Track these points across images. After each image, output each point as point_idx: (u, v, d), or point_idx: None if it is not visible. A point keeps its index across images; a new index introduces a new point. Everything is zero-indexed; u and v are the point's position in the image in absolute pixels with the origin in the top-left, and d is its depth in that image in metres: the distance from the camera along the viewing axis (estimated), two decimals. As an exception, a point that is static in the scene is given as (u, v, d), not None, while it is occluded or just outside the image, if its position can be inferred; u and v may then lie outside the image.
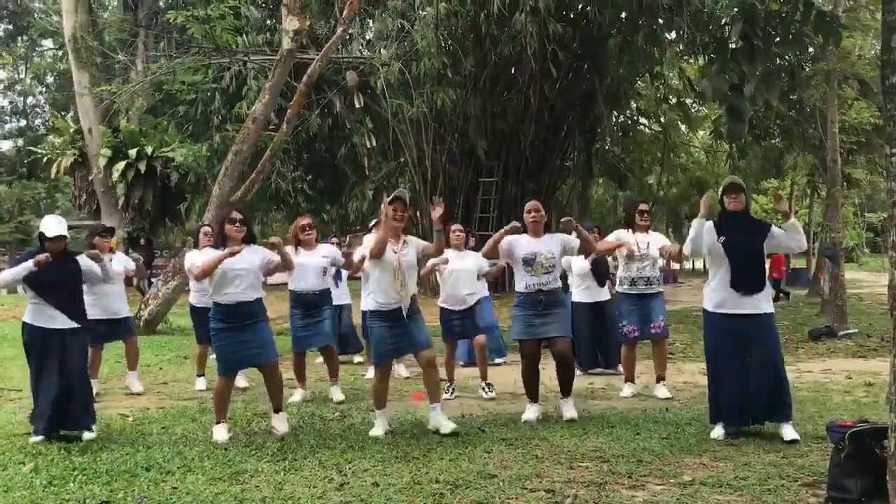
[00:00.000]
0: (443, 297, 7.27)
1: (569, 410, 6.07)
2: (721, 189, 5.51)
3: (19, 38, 41.39)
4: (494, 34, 17.21)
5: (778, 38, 7.70)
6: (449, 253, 7.03)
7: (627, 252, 6.92)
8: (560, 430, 5.70)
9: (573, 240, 6.17)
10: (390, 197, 5.69)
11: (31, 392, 5.69)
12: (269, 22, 19.93)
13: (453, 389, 7.29)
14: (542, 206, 6.26)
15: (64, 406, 5.53)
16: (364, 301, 8.22)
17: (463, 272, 7.13)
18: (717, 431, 5.35)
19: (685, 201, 32.04)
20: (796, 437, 5.12)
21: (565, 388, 6.13)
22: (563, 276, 7.69)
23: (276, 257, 5.86)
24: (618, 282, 7.20)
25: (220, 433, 5.53)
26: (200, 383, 7.89)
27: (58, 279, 5.60)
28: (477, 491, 4.20)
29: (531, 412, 6.13)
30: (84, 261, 5.84)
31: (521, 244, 6.06)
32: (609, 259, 7.73)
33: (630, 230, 7.06)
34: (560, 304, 6.13)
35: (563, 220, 6.12)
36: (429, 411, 5.78)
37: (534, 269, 5.98)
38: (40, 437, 5.48)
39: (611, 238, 7.08)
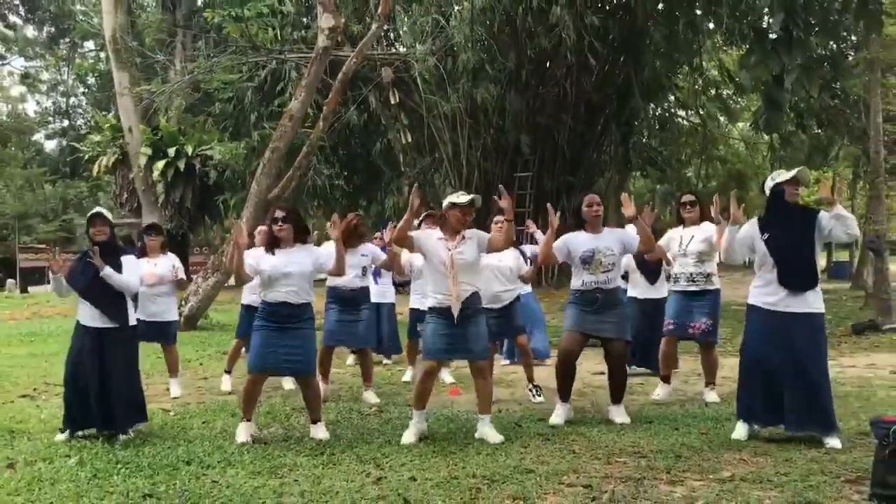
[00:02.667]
0: None
1: (620, 416, 5.80)
2: (789, 177, 5.13)
3: (61, 41, 42.24)
4: (531, 28, 17.13)
5: (817, 28, 7.55)
6: None
7: (670, 252, 6.65)
8: (597, 425, 5.67)
9: (633, 237, 5.85)
10: (464, 200, 5.34)
11: (64, 389, 5.69)
12: (304, 20, 20.05)
13: None
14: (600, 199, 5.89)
15: (97, 407, 5.47)
16: (412, 299, 8.10)
17: (497, 269, 6.65)
18: (740, 431, 5.17)
19: (725, 194, 31.63)
20: (838, 444, 4.88)
21: (616, 395, 5.87)
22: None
23: (331, 262, 5.59)
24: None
25: (242, 434, 5.35)
26: (226, 383, 7.68)
27: (94, 275, 5.51)
28: (514, 486, 4.20)
29: (559, 415, 5.84)
30: (127, 261, 5.69)
31: (579, 241, 5.76)
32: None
33: (681, 226, 6.71)
34: (618, 304, 5.82)
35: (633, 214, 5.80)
36: (477, 419, 5.47)
37: (592, 266, 5.68)
38: (65, 436, 5.50)
39: (663, 241, 6.69)
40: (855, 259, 26.95)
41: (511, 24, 17.37)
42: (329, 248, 5.94)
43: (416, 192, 5.40)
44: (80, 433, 5.57)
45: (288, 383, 7.64)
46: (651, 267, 7.57)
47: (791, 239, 5.08)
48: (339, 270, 5.65)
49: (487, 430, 5.34)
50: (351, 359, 9.21)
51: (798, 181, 5.12)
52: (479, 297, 5.44)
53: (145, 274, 7.01)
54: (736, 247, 5.31)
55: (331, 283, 7.00)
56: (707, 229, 6.54)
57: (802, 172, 5.18)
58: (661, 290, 7.75)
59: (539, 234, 7.21)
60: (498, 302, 6.68)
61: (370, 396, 7.04)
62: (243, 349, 7.56)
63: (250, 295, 7.57)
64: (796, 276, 5.06)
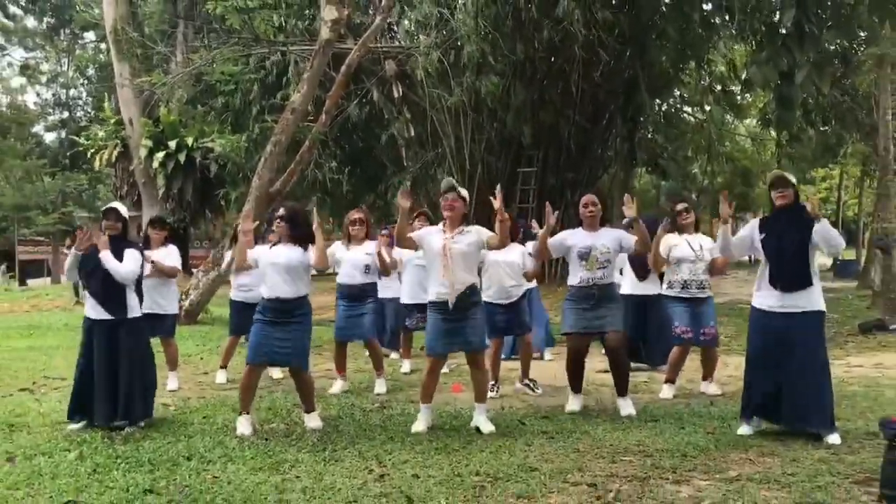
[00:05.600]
0: (486, 291, 6.91)
1: (626, 408, 5.99)
2: (768, 184, 5.36)
3: (62, 31, 42.20)
4: (536, 20, 17.06)
5: (830, 24, 7.49)
6: None
7: (678, 255, 6.70)
8: (602, 423, 5.67)
9: (630, 238, 6.01)
10: (443, 188, 5.59)
11: (73, 380, 5.79)
12: (307, 11, 19.99)
13: (498, 388, 7.01)
14: (598, 199, 6.09)
15: (105, 401, 5.54)
16: (403, 293, 8.43)
17: (506, 264, 6.81)
18: (745, 429, 5.26)
19: (730, 191, 31.59)
20: (838, 441, 4.95)
21: (620, 387, 6.06)
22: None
23: (313, 257, 5.77)
24: (666, 284, 6.90)
25: (244, 426, 5.46)
26: (221, 376, 7.85)
27: (95, 267, 5.62)
28: (518, 484, 4.19)
29: (574, 403, 6.16)
30: (128, 253, 5.77)
31: (577, 238, 6.01)
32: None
33: (678, 233, 6.81)
34: (614, 299, 6.06)
35: (625, 220, 6.08)
36: (473, 409, 5.67)
37: (588, 263, 5.91)
38: (75, 426, 5.59)
39: (662, 246, 6.68)
40: (862, 257, 26.89)
41: (517, 16, 17.30)
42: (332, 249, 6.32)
43: (404, 193, 5.54)
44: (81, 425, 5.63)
45: (275, 372, 7.85)
46: (642, 262, 7.64)
47: (786, 240, 5.16)
48: (318, 263, 5.73)
49: (481, 420, 5.53)
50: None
51: (779, 185, 5.24)
52: (477, 290, 5.61)
53: (166, 266, 7.20)
54: (732, 245, 5.45)
55: (338, 280, 7.31)
56: (707, 240, 6.80)
57: (775, 175, 5.36)
58: (652, 286, 7.81)
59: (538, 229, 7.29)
60: (507, 297, 6.88)
61: (380, 385, 7.28)
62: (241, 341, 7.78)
63: (239, 291, 7.88)
64: (787, 276, 5.14)
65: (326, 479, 4.34)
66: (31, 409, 6.35)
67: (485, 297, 6.88)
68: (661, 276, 7.22)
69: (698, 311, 6.72)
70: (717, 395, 6.74)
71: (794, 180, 5.30)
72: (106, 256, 5.59)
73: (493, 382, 6.98)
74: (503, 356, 8.49)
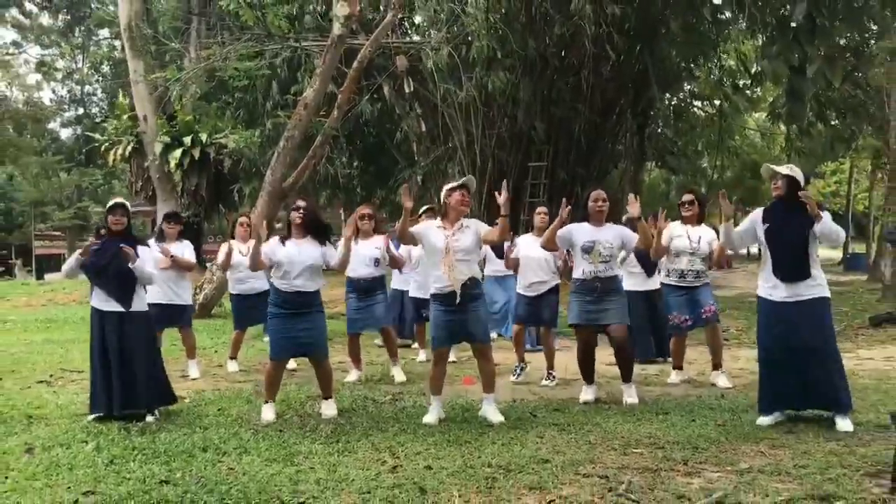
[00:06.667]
0: (518, 280, 7.34)
1: (630, 396, 6.16)
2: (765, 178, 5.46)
3: (77, 29, 42.31)
4: (548, 16, 17.00)
5: (841, 16, 7.42)
6: (528, 237, 7.22)
7: (678, 246, 6.82)
8: (613, 415, 5.66)
9: (632, 236, 6.17)
10: (458, 183, 5.64)
11: (90, 372, 5.84)
12: (320, 7, 19.97)
13: (522, 370, 7.35)
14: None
15: (121, 388, 5.60)
16: (412, 287, 8.66)
17: (535, 260, 7.04)
18: (764, 419, 5.30)
19: (739, 185, 31.41)
20: (850, 428, 5.01)
21: (625, 375, 6.24)
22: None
23: (336, 258, 5.87)
24: (664, 272, 7.07)
25: (268, 413, 5.68)
26: (232, 366, 8.10)
27: (106, 262, 5.65)
28: (530, 475, 4.19)
29: (588, 393, 6.28)
30: (144, 252, 5.85)
31: (582, 232, 6.13)
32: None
33: (681, 222, 6.96)
34: (616, 292, 6.17)
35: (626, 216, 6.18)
36: (481, 400, 5.73)
37: (592, 256, 6.06)
38: (93, 416, 5.66)
39: (665, 235, 6.63)
40: (872, 251, 26.70)
41: (527, 12, 17.24)
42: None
43: (405, 192, 5.60)
44: (102, 415, 5.67)
45: (289, 363, 7.82)
46: (651, 262, 7.74)
47: (787, 232, 5.23)
48: (342, 266, 6.00)
49: (490, 410, 5.59)
50: (380, 339, 9.36)
51: (771, 177, 5.33)
52: (478, 283, 5.65)
53: (160, 259, 7.17)
54: (735, 237, 5.56)
55: (348, 274, 7.35)
56: (708, 231, 6.89)
57: (764, 169, 5.49)
58: (655, 282, 7.95)
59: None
60: (534, 291, 7.12)
61: (398, 373, 7.43)
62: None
63: (237, 284, 8.02)
64: (787, 267, 5.21)
65: (340, 470, 4.35)
66: (49, 401, 6.40)
67: (518, 285, 7.38)
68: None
69: (695, 297, 6.87)
70: (727, 388, 6.73)
71: (786, 171, 5.28)
72: (139, 267, 5.69)
73: (520, 364, 7.34)
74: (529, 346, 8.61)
